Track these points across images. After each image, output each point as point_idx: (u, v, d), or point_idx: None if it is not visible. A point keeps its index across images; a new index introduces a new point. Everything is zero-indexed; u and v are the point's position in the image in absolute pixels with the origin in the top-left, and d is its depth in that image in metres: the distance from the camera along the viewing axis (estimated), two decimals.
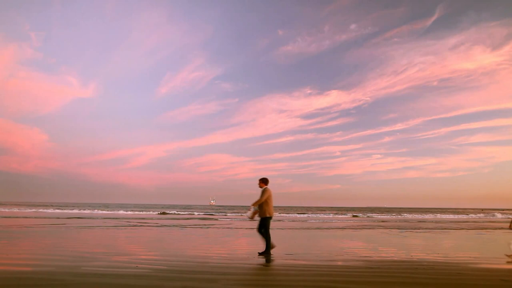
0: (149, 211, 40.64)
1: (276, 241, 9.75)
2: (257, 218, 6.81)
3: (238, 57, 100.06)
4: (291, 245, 8.81)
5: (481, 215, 43.67)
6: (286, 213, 40.66)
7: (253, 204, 6.68)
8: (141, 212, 37.06)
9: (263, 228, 6.69)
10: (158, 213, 35.40)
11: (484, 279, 4.66)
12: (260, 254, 6.74)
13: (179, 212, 38.83)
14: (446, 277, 4.78)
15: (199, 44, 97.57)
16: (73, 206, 52.88)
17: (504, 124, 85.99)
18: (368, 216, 36.28)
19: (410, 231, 15.17)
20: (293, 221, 24.56)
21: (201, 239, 10.34)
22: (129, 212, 36.56)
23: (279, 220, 24.21)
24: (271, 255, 6.62)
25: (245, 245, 8.83)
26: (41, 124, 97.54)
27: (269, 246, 6.69)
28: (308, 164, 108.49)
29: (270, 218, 6.72)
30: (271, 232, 6.85)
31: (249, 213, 6.82)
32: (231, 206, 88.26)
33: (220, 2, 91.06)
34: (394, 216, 38.16)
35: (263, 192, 6.73)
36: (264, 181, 6.85)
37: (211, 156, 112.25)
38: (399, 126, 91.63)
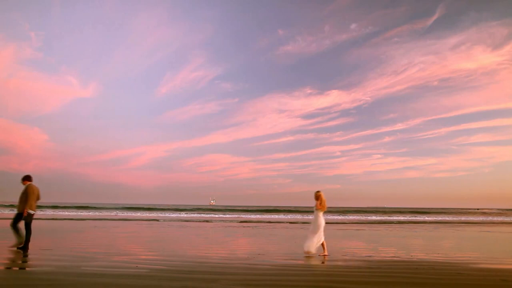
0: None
1: (276, 241, 9.76)
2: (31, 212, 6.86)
3: (238, 57, 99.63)
4: (291, 245, 8.80)
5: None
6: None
7: (28, 208, 6.76)
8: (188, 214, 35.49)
9: (25, 223, 6.86)
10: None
11: (484, 279, 4.66)
12: (18, 248, 6.83)
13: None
14: (446, 277, 4.78)
15: (199, 44, 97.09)
16: (73, 207, 52.87)
17: (504, 124, 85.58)
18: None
19: (410, 231, 15.16)
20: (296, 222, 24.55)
21: (200, 239, 10.33)
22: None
23: (281, 222, 24.12)
24: (27, 250, 6.76)
25: (245, 245, 8.83)
26: (41, 124, 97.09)
27: (27, 240, 6.86)
28: (308, 164, 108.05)
29: (33, 213, 6.93)
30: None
31: (27, 213, 6.82)
32: (232, 205, 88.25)
33: (220, 2, 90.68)
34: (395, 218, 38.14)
35: (27, 189, 6.86)
36: (28, 179, 7.00)
37: (211, 156, 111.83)
38: (399, 126, 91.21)
